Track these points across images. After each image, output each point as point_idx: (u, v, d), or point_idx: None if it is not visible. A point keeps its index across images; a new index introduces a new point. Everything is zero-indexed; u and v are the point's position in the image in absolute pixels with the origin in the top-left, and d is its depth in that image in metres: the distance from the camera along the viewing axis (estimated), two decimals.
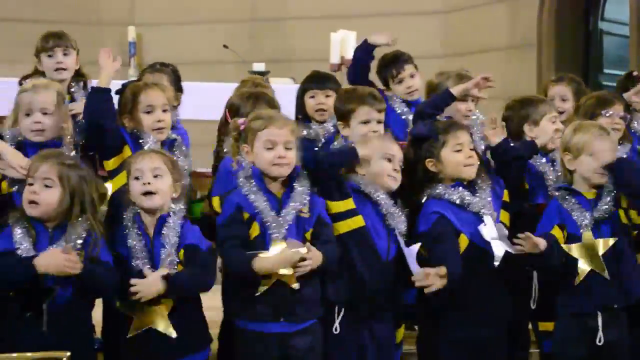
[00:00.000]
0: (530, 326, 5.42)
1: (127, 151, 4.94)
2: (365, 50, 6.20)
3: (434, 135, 5.00)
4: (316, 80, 5.95)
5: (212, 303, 4.94)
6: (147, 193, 4.56)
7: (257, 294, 4.55)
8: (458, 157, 4.95)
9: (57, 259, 4.32)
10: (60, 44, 5.69)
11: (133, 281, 4.43)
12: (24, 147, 4.88)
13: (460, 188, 4.91)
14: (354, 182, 4.83)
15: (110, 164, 4.99)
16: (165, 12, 10.68)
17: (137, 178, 4.58)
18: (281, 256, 4.54)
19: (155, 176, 4.59)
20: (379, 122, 5.19)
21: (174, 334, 4.51)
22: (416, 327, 5.32)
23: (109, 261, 4.50)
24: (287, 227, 4.61)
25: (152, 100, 5.07)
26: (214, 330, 4.96)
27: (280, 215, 4.62)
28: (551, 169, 5.33)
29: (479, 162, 5.01)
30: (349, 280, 4.77)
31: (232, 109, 5.29)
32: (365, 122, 5.16)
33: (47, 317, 4.36)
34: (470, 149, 5.00)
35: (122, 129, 5.02)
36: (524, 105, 5.47)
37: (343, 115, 5.25)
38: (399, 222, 4.83)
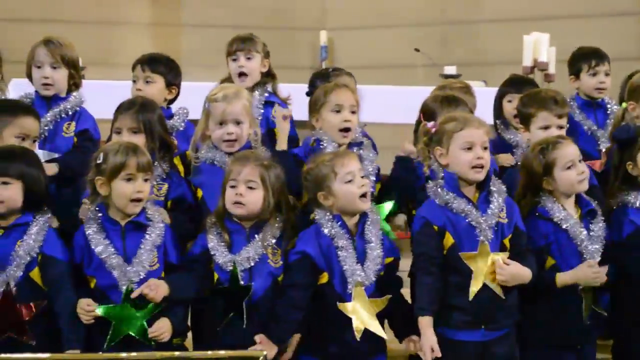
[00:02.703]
0: None
1: None
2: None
3: (634, 138, 4.90)
4: (515, 84, 5.87)
5: None
6: (364, 195, 4.59)
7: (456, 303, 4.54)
8: None
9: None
10: (244, 48, 5.73)
11: None
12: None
13: None
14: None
15: None
16: (356, 16, 10.72)
17: (350, 181, 4.59)
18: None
19: (363, 177, 4.64)
20: (559, 127, 5.07)
21: (384, 335, 4.55)
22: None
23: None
24: (492, 231, 4.55)
25: (341, 100, 5.08)
26: None
27: (483, 216, 4.56)
28: None
29: None
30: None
31: (427, 112, 5.25)
32: (545, 128, 5.06)
33: (246, 313, 4.47)
34: None
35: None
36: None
37: (523, 119, 5.17)
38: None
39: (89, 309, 4.40)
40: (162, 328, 4.44)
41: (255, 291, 4.52)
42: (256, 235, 4.57)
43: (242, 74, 5.72)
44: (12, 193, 4.47)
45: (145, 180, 4.53)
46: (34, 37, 5.50)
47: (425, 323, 4.48)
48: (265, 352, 3.26)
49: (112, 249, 4.46)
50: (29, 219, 4.50)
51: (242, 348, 4.18)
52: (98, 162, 4.53)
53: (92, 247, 4.47)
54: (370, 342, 4.55)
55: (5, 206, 4.47)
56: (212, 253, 4.54)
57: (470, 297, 4.51)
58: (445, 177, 4.61)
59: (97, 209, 4.54)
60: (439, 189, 4.60)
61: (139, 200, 4.51)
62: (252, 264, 4.54)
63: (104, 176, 4.50)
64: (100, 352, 4.27)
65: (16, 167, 4.48)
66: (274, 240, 4.58)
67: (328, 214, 4.60)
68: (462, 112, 4.91)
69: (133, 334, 4.42)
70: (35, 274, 4.47)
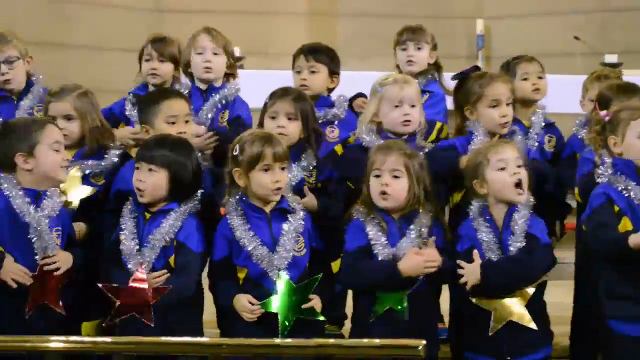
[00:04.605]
0: None
1: None
2: None
3: None
4: None
5: (557, 299, 4.85)
6: (519, 185, 4.54)
7: None
8: None
9: (417, 262, 4.44)
10: (413, 39, 5.80)
11: None
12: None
13: None
14: None
15: None
16: (513, 4, 10.58)
17: (502, 169, 4.55)
18: None
19: (519, 166, 4.57)
20: None
21: (534, 327, 4.48)
22: None
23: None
24: None
25: (498, 95, 5.03)
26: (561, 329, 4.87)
27: None
28: None
29: None
30: None
31: (602, 101, 5.13)
32: None
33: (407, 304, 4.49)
34: None
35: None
36: None
37: None
38: None
39: (255, 309, 4.45)
40: (317, 303, 4.51)
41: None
42: (412, 227, 4.55)
43: (410, 62, 5.76)
44: (156, 180, 4.55)
45: (283, 169, 4.55)
46: (195, 28, 5.61)
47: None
48: (424, 342, 3.23)
49: (258, 240, 4.51)
50: (173, 207, 4.59)
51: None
52: (235, 154, 4.58)
53: (238, 239, 4.52)
54: (529, 334, 4.48)
55: (149, 194, 4.56)
56: (372, 244, 4.53)
57: None
58: (621, 165, 4.51)
59: (238, 199, 4.59)
60: (616, 175, 4.50)
61: (278, 189, 4.54)
62: None
63: (242, 168, 4.55)
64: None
65: (163, 155, 4.56)
66: (425, 230, 4.56)
67: (479, 206, 4.58)
68: (636, 101, 4.79)
69: (303, 317, 4.48)
70: (173, 260, 4.55)
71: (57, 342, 3.52)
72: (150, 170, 4.55)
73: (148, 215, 4.59)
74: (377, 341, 3.53)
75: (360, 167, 4.73)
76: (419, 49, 5.80)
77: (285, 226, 4.55)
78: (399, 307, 4.47)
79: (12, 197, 4.43)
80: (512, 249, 4.49)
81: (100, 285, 4.45)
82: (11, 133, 4.55)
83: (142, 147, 4.70)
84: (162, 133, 4.81)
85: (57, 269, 4.48)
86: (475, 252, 4.50)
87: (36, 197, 4.50)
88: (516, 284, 4.49)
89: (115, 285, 4.45)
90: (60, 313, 4.51)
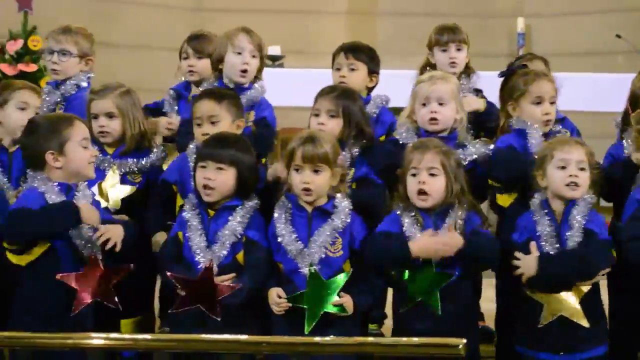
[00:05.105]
0: None
1: None
2: None
3: None
4: None
5: None
6: (574, 183, 4.53)
7: None
8: None
9: (428, 243, 4.43)
10: (455, 39, 5.76)
11: None
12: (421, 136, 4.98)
13: None
14: None
15: None
16: (554, 2, 10.52)
17: (562, 167, 4.55)
18: None
19: (582, 169, 4.56)
20: None
21: (585, 324, 4.46)
22: None
23: (487, 233, 4.58)
24: None
25: (542, 91, 5.02)
26: None
27: None
28: None
29: None
30: None
31: (633, 100, 5.09)
32: None
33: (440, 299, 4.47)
34: None
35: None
36: None
37: None
38: None
39: (280, 301, 4.48)
40: (347, 301, 4.48)
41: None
42: (446, 220, 4.54)
43: (453, 63, 5.74)
44: (225, 178, 4.59)
45: (316, 171, 4.54)
46: (236, 27, 5.60)
47: None
48: (464, 340, 3.22)
49: (294, 236, 4.53)
50: (237, 203, 4.62)
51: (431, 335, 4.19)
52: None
53: (277, 234, 4.55)
54: (584, 331, 4.46)
55: (218, 191, 4.60)
56: (408, 235, 4.52)
57: None
58: None
59: (287, 196, 4.61)
60: None
61: (306, 190, 4.55)
62: None
63: (285, 165, 4.61)
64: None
65: (231, 154, 4.60)
66: (460, 222, 4.54)
67: (540, 198, 4.58)
68: None
69: (330, 312, 4.47)
70: (240, 256, 4.58)
71: (98, 339, 3.55)
72: (219, 168, 4.59)
73: (212, 212, 4.63)
74: (416, 339, 3.53)
75: (392, 158, 4.75)
76: (459, 49, 5.77)
77: (325, 224, 4.54)
78: (431, 302, 4.47)
79: (46, 192, 4.45)
80: (569, 242, 4.48)
81: (168, 274, 4.51)
82: (39, 131, 4.54)
83: (205, 146, 4.72)
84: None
85: (106, 242, 4.49)
86: (533, 243, 4.49)
87: (67, 191, 4.53)
88: (573, 278, 4.47)
89: (184, 276, 4.50)
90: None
